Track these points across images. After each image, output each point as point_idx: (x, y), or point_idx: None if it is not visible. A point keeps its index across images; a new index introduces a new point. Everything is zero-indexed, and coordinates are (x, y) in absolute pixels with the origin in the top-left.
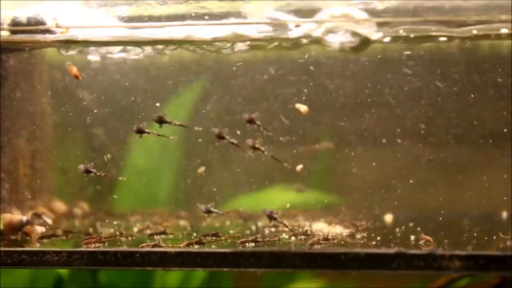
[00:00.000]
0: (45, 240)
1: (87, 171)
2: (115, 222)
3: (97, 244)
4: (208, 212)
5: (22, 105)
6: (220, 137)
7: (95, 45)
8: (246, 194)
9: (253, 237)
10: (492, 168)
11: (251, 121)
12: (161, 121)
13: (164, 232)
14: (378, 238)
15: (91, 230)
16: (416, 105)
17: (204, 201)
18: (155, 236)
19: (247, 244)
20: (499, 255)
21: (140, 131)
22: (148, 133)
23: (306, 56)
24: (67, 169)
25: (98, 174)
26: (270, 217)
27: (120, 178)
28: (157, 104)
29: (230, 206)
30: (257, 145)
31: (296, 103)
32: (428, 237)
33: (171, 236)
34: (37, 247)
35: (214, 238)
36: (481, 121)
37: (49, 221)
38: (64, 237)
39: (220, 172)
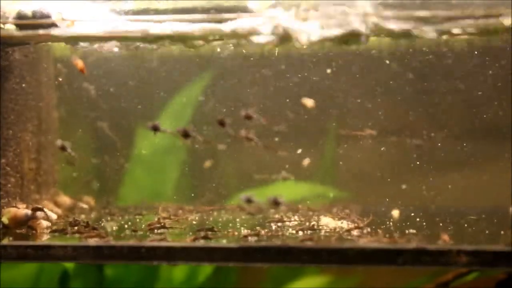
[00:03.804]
0: (56, 234)
1: (63, 148)
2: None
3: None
4: (249, 201)
5: (27, 98)
6: (221, 123)
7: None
8: (253, 188)
9: (256, 231)
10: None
11: (248, 117)
12: (155, 128)
13: (164, 226)
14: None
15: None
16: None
17: (211, 195)
18: (155, 229)
19: (249, 238)
20: (506, 251)
21: (156, 128)
22: (163, 131)
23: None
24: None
25: (72, 154)
26: (275, 202)
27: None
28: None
29: (237, 200)
30: (249, 136)
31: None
32: (446, 237)
33: (177, 231)
34: (43, 240)
35: (210, 232)
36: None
37: (53, 215)
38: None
39: (227, 166)
